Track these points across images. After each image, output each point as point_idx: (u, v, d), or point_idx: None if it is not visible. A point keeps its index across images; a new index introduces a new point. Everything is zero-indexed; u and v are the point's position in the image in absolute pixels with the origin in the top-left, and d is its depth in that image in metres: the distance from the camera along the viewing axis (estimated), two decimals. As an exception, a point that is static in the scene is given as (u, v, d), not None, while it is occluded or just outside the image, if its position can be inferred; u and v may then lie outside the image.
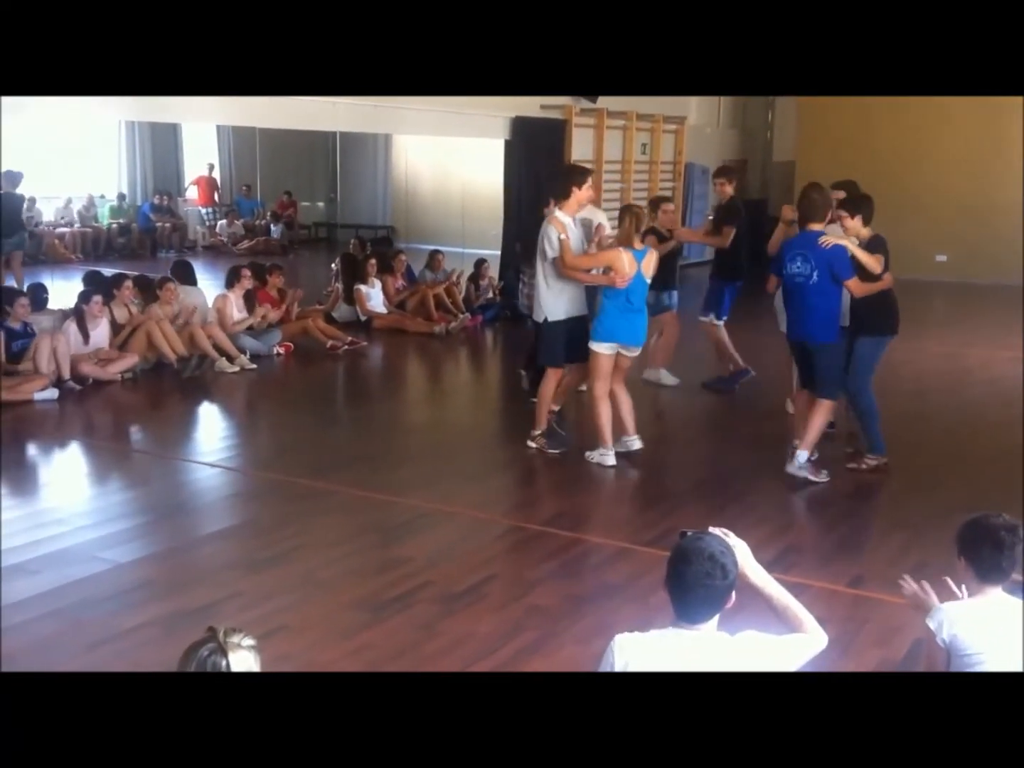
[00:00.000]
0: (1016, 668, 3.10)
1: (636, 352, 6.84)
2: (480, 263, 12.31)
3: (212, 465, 6.75)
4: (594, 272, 6.66)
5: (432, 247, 13.44)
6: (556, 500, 6.39)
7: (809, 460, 6.50)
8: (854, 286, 6.27)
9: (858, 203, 6.59)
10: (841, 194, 6.90)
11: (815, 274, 6.23)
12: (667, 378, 8.90)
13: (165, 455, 7.13)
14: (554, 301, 6.74)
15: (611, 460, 6.72)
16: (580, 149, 14.19)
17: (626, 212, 6.66)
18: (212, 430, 8.14)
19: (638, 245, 6.58)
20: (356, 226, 19.18)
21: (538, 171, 12.25)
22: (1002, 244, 15.87)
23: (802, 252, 6.31)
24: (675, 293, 8.82)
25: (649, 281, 6.71)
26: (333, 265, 12.25)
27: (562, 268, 6.61)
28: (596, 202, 8.27)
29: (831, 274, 6.20)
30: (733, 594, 2.62)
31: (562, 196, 6.69)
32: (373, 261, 11.72)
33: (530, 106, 13.22)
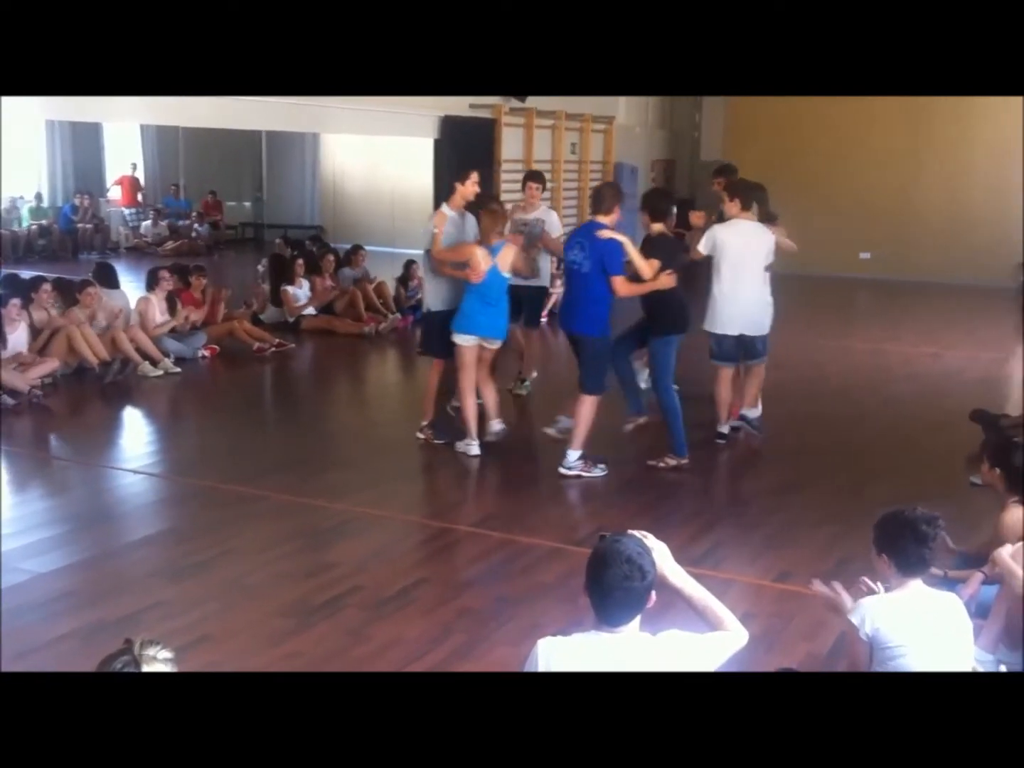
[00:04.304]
0: (937, 660, 3.16)
1: (496, 344, 6.95)
2: (409, 264, 12.23)
3: (135, 471, 6.61)
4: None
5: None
6: (486, 501, 6.38)
7: (581, 457, 6.54)
8: (619, 284, 6.27)
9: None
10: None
11: (587, 263, 6.28)
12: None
13: (87, 462, 6.97)
14: (433, 292, 7.12)
15: (475, 450, 6.88)
16: (510, 149, 14.20)
17: (484, 211, 6.83)
18: (135, 435, 7.97)
19: (494, 241, 6.72)
20: (284, 226, 18.99)
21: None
22: (922, 242, 16.23)
23: (580, 241, 6.40)
24: None
25: (508, 276, 6.82)
26: (260, 266, 12.10)
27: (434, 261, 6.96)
28: (531, 202, 8.29)
29: (601, 266, 6.24)
30: (653, 594, 2.63)
31: (450, 191, 7.12)
32: (301, 261, 11.59)
33: (459, 105, 13.18)
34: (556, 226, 8.31)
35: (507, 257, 6.75)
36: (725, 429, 7.25)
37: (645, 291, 6.49)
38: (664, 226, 6.62)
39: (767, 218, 7.14)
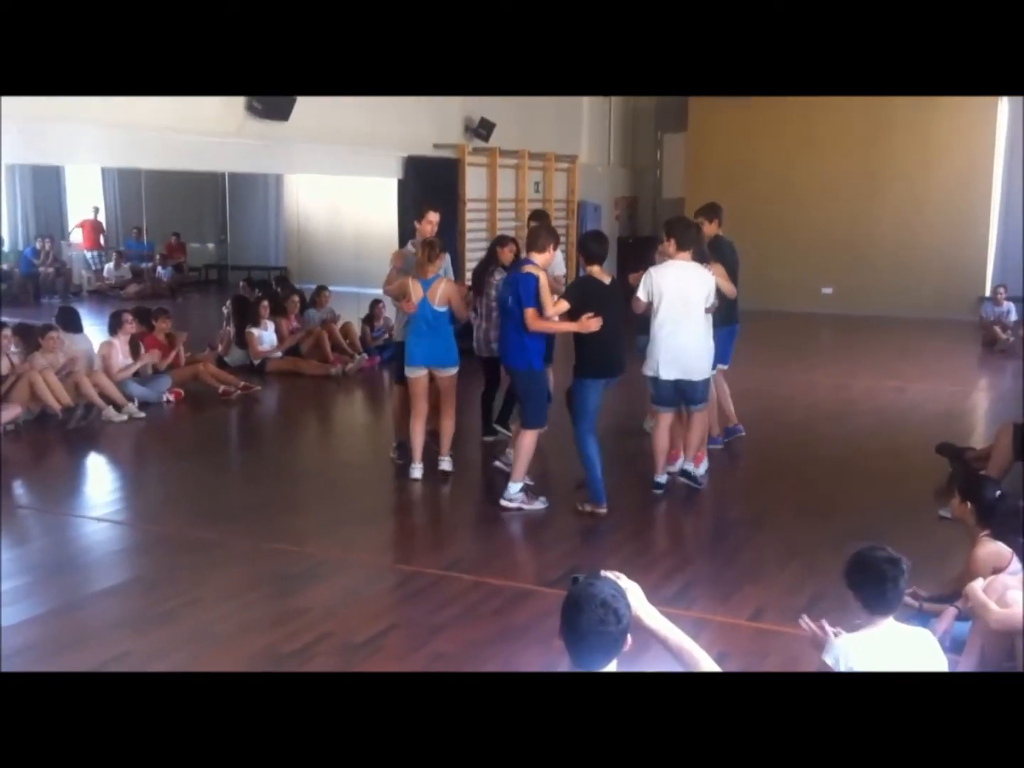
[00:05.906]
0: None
1: (447, 372, 7.07)
2: (375, 304, 12.22)
3: (99, 519, 6.50)
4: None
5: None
6: (456, 543, 6.32)
7: (523, 490, 6.58)
8: (529, 316, 6.26)
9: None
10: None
11: (510, 298, 6.39)
12: None
13: (50, 510, 6.85)
14: (397, 324, 7.77)
15: (416, 474, 7.19)
16: (473, 188, 14.26)
17: (421, 244, 7.12)
18: (99, 482, 7.85)
19: (428, 274, 6.95)
20: (248, 267, 18.91)
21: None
22: (880, 277, 16.43)
23: (508, 277, 6.74)
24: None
25: (443, 309, 6.96)
26: (224, 308, 12.03)
27: None
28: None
29: (518, 299, 6.30)
30: (629, 638, 2.60)
31: (413, 231, 7.66)
32: (265, 303, 11.54)
33: (423, 145, 13.25)
34: (559, 264, 8.43)
35: (437, 289, 6.94)
36: (662, 479, 6.87)
37: (560, 330, 6.53)
38: (599, 269, 6.44)
39: (701, 258, 6.80)
